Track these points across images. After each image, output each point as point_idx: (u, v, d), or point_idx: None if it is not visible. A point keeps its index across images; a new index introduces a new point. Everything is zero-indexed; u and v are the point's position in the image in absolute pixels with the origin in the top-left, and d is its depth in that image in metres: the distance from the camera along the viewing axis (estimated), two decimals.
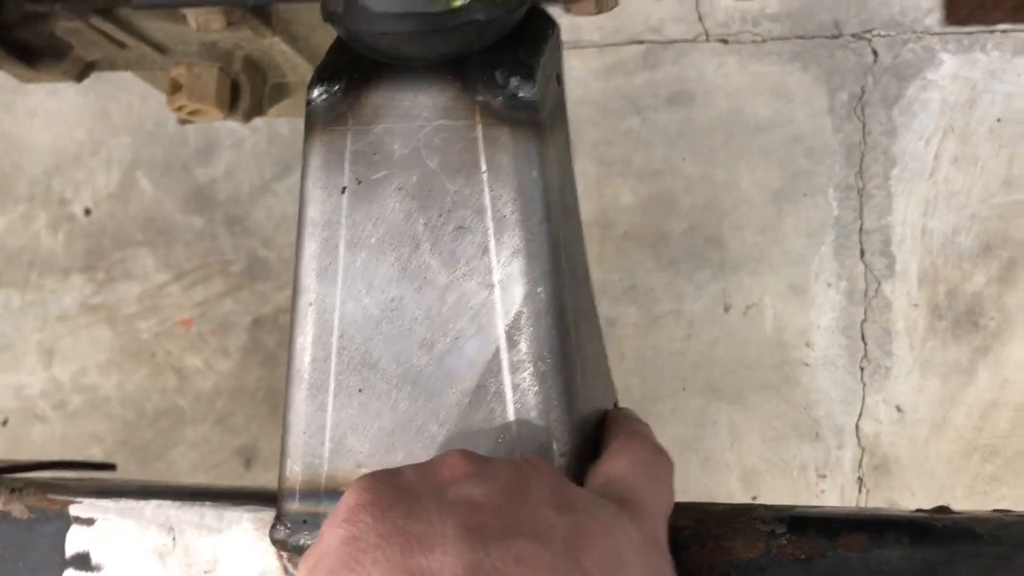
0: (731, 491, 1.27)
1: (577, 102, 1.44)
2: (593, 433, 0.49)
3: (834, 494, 1.25)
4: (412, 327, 0.49)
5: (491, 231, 0.50)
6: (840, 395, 1.28)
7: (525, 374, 0.48)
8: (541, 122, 0.50)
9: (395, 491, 0.34)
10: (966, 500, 1.25)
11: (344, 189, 0.48)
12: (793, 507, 0.46)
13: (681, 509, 0.45)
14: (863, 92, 1.34)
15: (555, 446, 0.45)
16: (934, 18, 1.36)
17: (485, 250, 0.49)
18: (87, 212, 1.48)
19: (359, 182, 0.48)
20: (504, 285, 0.48)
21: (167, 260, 1.45)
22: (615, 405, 0.58)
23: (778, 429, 1.29)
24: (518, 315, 0.47)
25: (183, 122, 0.83)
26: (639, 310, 1.36)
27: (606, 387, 0.60)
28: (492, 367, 0.48)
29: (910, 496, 1.24)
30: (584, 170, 1.40)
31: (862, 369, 1.28)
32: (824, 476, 1.27)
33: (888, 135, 1.33)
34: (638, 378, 1.33)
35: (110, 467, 0.93)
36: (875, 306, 1.29)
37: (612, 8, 0.59)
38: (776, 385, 1.30)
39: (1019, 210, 1.28)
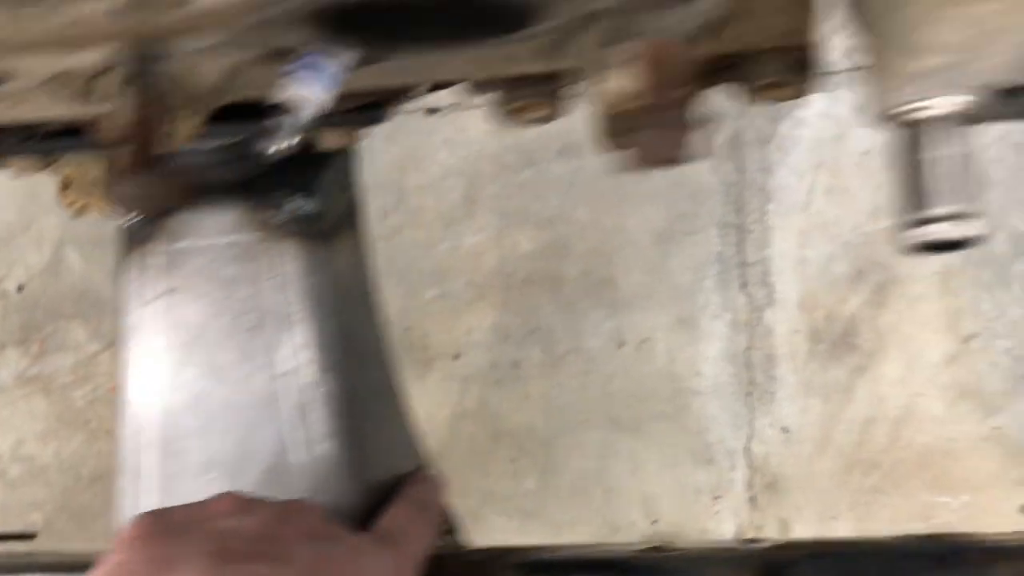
0: (632, 519, 1.37)
1: (475, 159, 1.56)
2: (386, 495, 0.56)
3: (728, 515, 1.36)
4: (214, 418, 0.58)
5: (280, 330, 0.58)
6: (730, 420, 1.39)
7: (315, 452, 0.55)
8: (324, 232, 0.58)
9: (162, 525, 0.40)
10: (850, 513, 1.36)
11: (155, 299, 0.57)
12: (537, 550, 0.55)
13: (436, 557, 0.52)
14: (739, 133, 1.45)
15: (342, 511, 0.51)
16: None
17: (276, 346, 0.57)
18: (20, 288, 1.59)
19: (169, 292, 0.56)
20: (292, 376, 0.57)
21: (98, 330, 1.55)
22: (420, 467, 0.66)
23: (675, 456, 1.40)
24: (304, 403, 0.55)
25: (77, 215, 0.94)
26: (542, 352, 1.47)
27: (407, 451, 0.68)
28: (285, 448, 0.57)
29: (798, 512, 1.35)
30: (485, 222, 1.52)
31: (749, 394, 1.38)
32: (719, 498, 1.37)
33: (764, 172, 1.44)
34: (543, 416, 1.44)
35: (30, 536, 0.99)
36: (758, 334, 1.40)
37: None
38: (671, 414, 1.41)
39: (886, 236, 1.39)
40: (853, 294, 1.41)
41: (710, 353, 1.43)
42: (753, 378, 1.41)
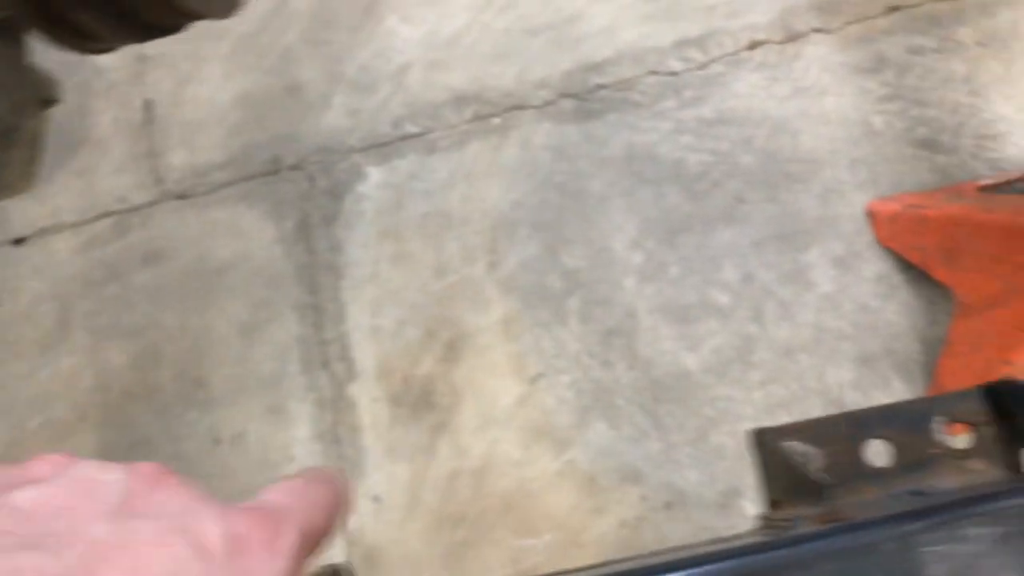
0: None
1: (64, 280, 1.62)
2: None
3: None
4: None
5: None
6: None
7: None
8: None
9: None
10: (444, 569, 1.41)
11: None
12: None
13: None
14: (306, 216, 1.54)
15: None
16: (356, 136, 1.57)
17: None
18: None
19: None
20: None
21: None
22: None
23: None
24: None
25: None
26: (144, 458, 1.50)
27: None
28: None
29: None
30: (79, 342, 1.57)
31: (340, 470, 1.44)
32: None
33: (333, 251, 1.52)
34: None
35: None
36: (343, 408, 1.46)
37: None
38: None
39: (450, 292, 1.48)
40: (426, 354, 1.49)
41: (300, 435, 1.49)
42: (342, 453, 1.47)
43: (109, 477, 0.37)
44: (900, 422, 0.79)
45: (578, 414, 1.51)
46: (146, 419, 1.61)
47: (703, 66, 1.58)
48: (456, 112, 1.64)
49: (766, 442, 0.76)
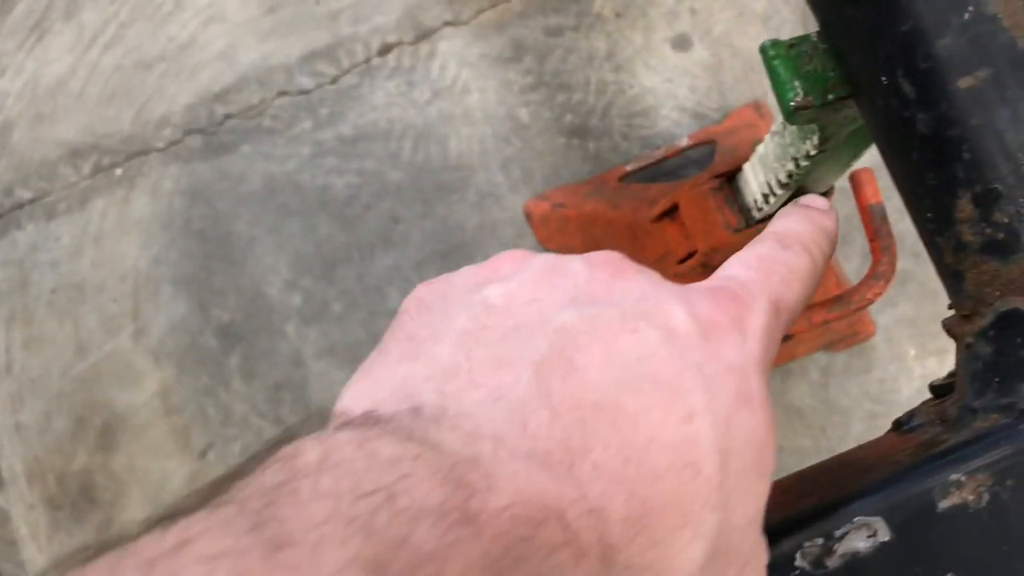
0: None
1: None
2: None
3: None
4: None
5: None
6: None
7: None
8: None
9: (432, 296, 0.41)
10: None
11: None
12: None
13: None
14: None
15: None
16: None
17: None
18: None
19: None
20: None
21: None
22: None
23: None
24: None
25: None
26: None
27: None
28: None
29: None
30: None
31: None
32: None
33: None
34: None
35: None
36: None
37: None
38: None
39: (95, 373, 1.34)
40: (79, 446, 1.35)
41: None
42: (3, 571, 1.31)
43: (569, 268, 0.39)
44: None
45: None
46: None
47: (335, 80, 1.50)
48: (73, 168, 1.50)
49: None
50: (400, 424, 0.32)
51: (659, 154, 1.45)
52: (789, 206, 0.54)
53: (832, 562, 0.47)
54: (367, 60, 1.56)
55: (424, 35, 1.57)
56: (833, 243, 0.50)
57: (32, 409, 1.49)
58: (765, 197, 0.95)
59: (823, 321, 1.07)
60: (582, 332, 0.34)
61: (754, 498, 0.36)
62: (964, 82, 0.54)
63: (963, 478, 0.47)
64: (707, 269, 1.07)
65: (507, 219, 1.50)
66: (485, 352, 0.35)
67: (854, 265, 1.46)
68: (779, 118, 0.85)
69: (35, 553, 1.46)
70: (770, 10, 1.57)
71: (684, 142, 1.45)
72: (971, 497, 0.47)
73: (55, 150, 1.57)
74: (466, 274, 0.42)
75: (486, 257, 1.29)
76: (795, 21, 1.56)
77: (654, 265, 1.18)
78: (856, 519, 0.47)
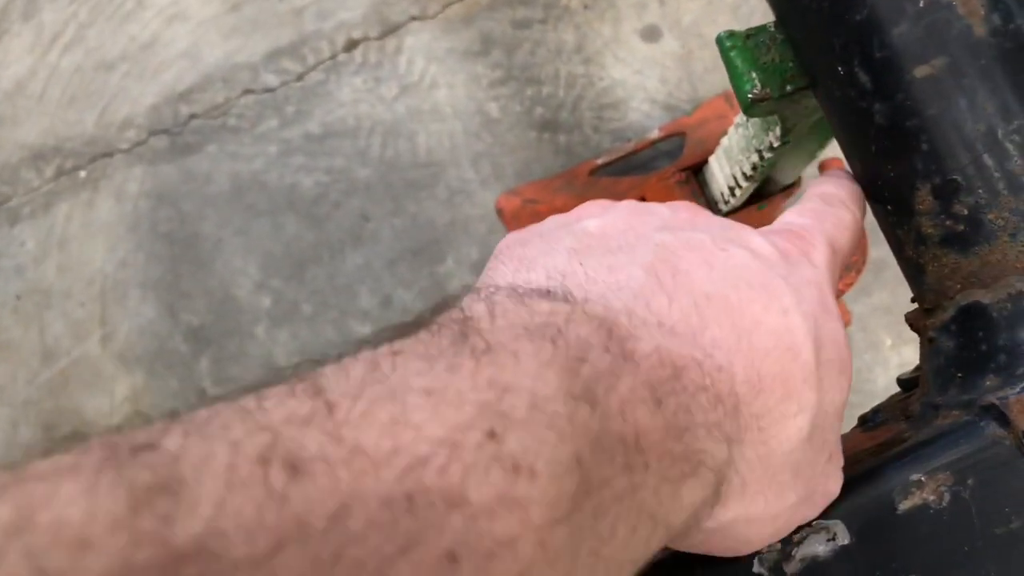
0: None
1: None
2: None
3: None
4: None
5: None
6: None
7: None
8: None
9: (527, 234, 0.43)
10: None
11: None
12: None
13: None
14: None
15: None
16: None
17: None
18: None
19: None
20: None
21: None
22: None
23: None
24: None
25: None
26: None
27: None
28: None
29: None
30: None
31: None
32: None
33: None
34: None
35: None
36: None
37: None
38: None
39: (63, 379, 1.31)
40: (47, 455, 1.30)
41: None
42: None
43: (653, 208, 0.43)
44: None
45: None
46: None
47: (300, 77, 1.48)
48: (35, 172, 1.47)
49: None
50: (543, 293, 0.35)
51: (630, 147, 1.43)
52: (824, 175, 0.57)
53: (791, 567, 0.46)
54: (333, 56, 1.54)
55: (390, 30, 1.55)
56: (864, 206, 0.55)
57: None
58: (731, 190, 0.94)
59: None
60: (680, 247, 0.37)
61: (839, 391, 0.40)
62: (920, 71, 0.52)
63: (923, 478, 0.46)
64: None
65: (479, 215, 1.49)
66: (596, 261, 0.37)
67: None
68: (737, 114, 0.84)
69: None
70: (736, 1, 1.56)
71: (655, 134, 1.44)
72: (932, 497, 0.46)
73: (16, 153, 1.54)
74: (556, 218, 0.45)
75: (459, 254, 1.27)
76: (765, 9, 1.54)
77: None
78: (815, 522, 0.46)
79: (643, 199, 1.05)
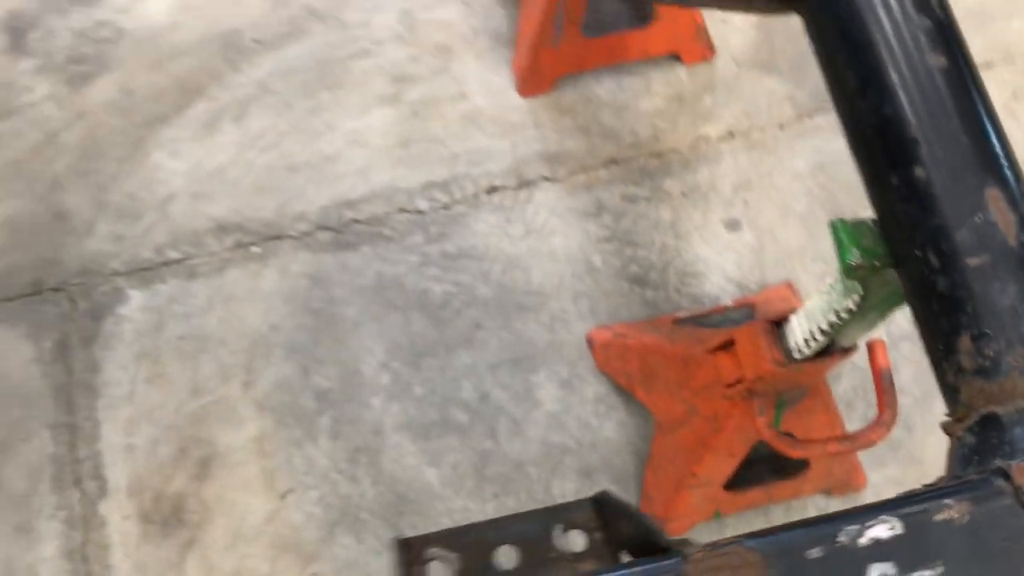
0: None
1: None
2: None
3: None
4: None
5: None
6: None
7: None
8: None
9: None
10: None
11: None
12: None
13: None
14: (65, 337, 1.60)
15: None
16: (120, 261, 1.64)
17: None
18: None
19: None
20: None
21: None
22: None
23: None
24: None
25: None
26: None
27: None
28: None
29: None
30: None
31: None
32: None
33: (91, 371, 1.60)
34: None
35: None
36: (93, 526, 1.53)
37: None
38: None
39: (204, 412, 1.57)
40: (179, 471, 1.58)
41: (47, 554, 1.54)
42: (90, 571, 1.53)
43: None
44: (527, 529, 0.97)
45: (325, 528, 1.64)
46: None
47: (447, 206, 1.80)
48: (218, 240, 1.78)
49: (408, 549, 0.93)
50: None
51: (706, 309, 1.73)
52: None
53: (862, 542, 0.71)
54: (475, 195, 1.87)
55: (525, 184, 1.88)
56: None
57: (143, 434, 1.71)
58: (806, 342, 1.22)
59: (835, 451, 1.32)
60: None
61: None
62: (972, 261, 0.83)
63: (952, 502, 0.72)
64: (752, 395, 1.33)
65: (572, 342, 1.77)
66: None
67: (854, 426, 1.71)
68: (826, 282, 1.14)
69: (122, 558, 1.64)
70: (807, 212, 1.89)
71: (728, 303, 1.74)
72: (956, 515, 0.72)
73: (205, 223, 1.85)
74: None
75: (550, 370, 1.55)
76: (826, 220, 1.87)
77: (702, 390, 1.45)
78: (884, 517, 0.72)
79: (731, 341, 1.34)
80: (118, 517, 1.68)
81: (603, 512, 0.85)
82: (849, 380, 1.71)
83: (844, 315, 1.12)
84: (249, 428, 1.73)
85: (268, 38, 1.98)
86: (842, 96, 1.02)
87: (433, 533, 0.76)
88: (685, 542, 0.80)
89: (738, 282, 1.83)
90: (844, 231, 0.97)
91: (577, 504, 0.85)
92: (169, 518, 1.68)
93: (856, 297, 1.08)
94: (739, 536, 0.72)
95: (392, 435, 1.73)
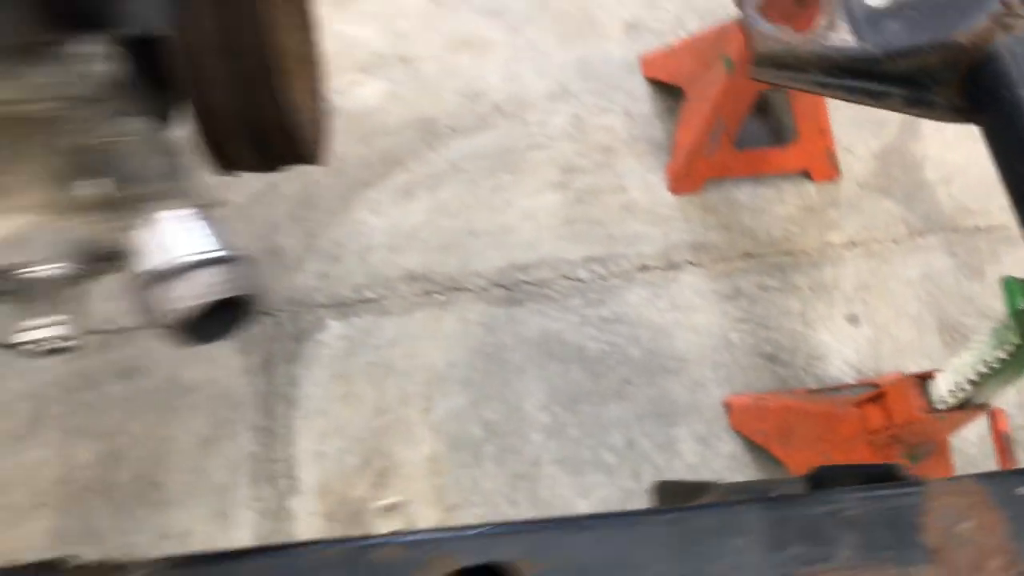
0: None
1: (43, 384, 1.86)
2: None
3: None
4: None
5: None
6: None
7: None
8: None
9: None
10: None
11: None
12: None
13: None
14: (271, 354, 1.86)
15: None
16: (323, 295, 1.92)
17: None
18: None
19: None
20: None
21: None
22: None
23: None
24: None
25: None
26: (93, 550, 1.71)
27: None
28: None
29: None
30: (49, 438, 1.79)
31: None
32: None
33: (291, 385, 1.85)
34: None
35: None
36: (282, 518, 1.75)
37: None
38: None
39: (386, 430, 1.81)
40: (361, 479, 1.80)
41: (241, 538, 1.75)
42: None
43: None
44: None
45: None
46: (101, 512, 1.85)
47: (604, 278, 2.08)
48: (408, 286, 2.07)
49: None
50: None
51: (833, 385, 1.98)
52: None
53: None
54: (629, 271, 2.15)
55: (673, 266, 2.16)
56: None
57: (333, 444, 1.95)
58: (951, 392, 1.46)
59: None
60: None
61: None
62: None
63: None
64: (897, 440, 1.56)
65: (709, 404, 2.01)
66: None
67: None
68: (980, 335, 1.40)
69: None
70: (917, 315, 2.15)
71: (852, 382, 1.99)
72: None
73: (398, 271, 2.13)
74: None
75: (690, 427, 1.81)
76: (939, 316, 2.13)
77: (843, 442, 1.70)
78: None
79: (880, 395, 1.59)
80: (305, 513, 1.90)
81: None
82: (960, 458, 1.93)
83: (995, 364, 1.37)
84: (424, 448, 1.96)
85: (461, 127, 2.32)
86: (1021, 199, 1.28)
87: None
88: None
89: (857, 368, 2.08)
90: (1017, 286, 1.23)
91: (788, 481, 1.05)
92: (350, 519, 1.90)
93: (1008, 347, 1.33)
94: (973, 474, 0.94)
95: (548, 467, 1.95)
